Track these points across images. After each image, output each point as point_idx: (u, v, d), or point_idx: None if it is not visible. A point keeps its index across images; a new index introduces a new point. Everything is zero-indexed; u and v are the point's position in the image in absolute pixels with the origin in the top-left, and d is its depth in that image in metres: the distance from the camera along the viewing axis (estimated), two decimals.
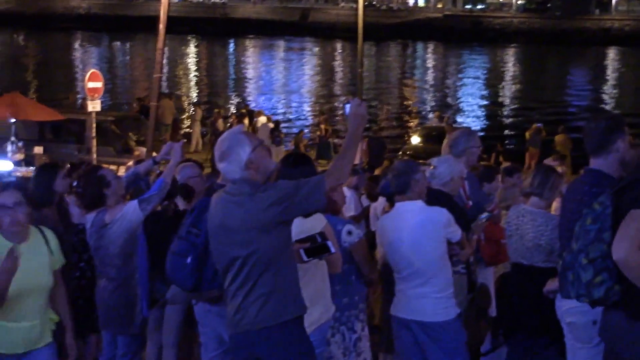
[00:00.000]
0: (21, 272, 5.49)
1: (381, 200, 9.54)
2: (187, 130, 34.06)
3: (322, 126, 32.07)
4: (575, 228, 4.86)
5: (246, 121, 30.13)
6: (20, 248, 5.54)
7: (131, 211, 7.00)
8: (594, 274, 4.65)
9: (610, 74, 79.67)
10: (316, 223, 5.99)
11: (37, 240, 5.95)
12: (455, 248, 6.77)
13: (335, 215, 6.70)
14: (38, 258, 5.87)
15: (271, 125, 30.80)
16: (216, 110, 32.79)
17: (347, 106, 5.40)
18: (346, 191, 9.47)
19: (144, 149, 21.43)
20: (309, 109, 48.62)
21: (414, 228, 6.50)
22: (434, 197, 6.83)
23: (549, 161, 23.51)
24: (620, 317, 4.72)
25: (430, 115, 41.57)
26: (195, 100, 47.75)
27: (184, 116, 38.49)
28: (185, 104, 45.05)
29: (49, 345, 5.99)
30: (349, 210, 10.49)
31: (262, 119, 30.96)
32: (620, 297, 4.68)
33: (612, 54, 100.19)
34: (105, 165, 10.44)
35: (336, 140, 30.77)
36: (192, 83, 62.95)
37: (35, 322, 5.85)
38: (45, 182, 7.74)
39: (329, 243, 5.83)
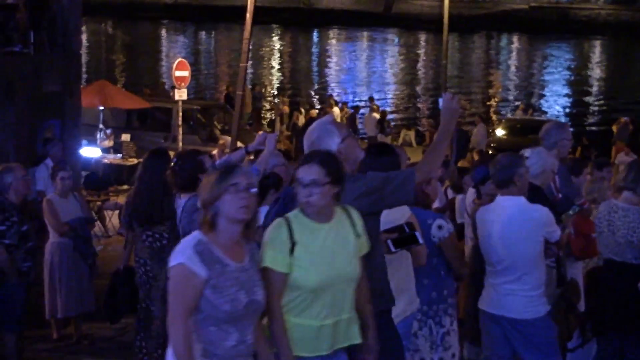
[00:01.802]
0: (326, 258, 4.87)
1: (469, 192, 9.47)
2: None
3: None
4: None
5: (335, 110, 30.32)
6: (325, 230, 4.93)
7: None
8: None
9: None
10: (401, 214, 5.97)
11: (342, 221, 5.03)
12: (553, 248, 6.69)
13: (427, 208, 6.67)
14: (344, 242, 4.99)
15: (377, 115, 30.92)
16: (295, 112, 32.69)
17: (440, 100, 5.39)
18: None
19: (228, 138, 21.61)
20: (392, 100, 48.43)
21: (513, 224, 6.44)
22: (530, 191, 6.73)
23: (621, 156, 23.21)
24: None
25: (513, 107, 41.22)
26: (277, 90, 47.97)
27: (266, 106, 38.65)
28: (268, 93, 45.23)
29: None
30: (434, 202, 10.45)
31: (336, 110, 31.09)
32: None
33: None
34: None
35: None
36: (276, 73, 63.16)
37: (342, 318, 4.95)
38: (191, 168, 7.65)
39: (417, 234, 5.82)
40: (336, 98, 38.03)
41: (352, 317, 4.98)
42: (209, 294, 4.46)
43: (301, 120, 29.98)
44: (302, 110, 31.66)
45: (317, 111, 30.13)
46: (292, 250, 4.77)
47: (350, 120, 30.33)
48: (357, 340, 4.97)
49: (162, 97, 28.79)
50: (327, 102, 35.40)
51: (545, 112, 45.17)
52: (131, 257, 8.83)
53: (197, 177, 7.15)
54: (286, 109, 32.68)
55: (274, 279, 4.75)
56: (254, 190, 4.58)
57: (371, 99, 36.48)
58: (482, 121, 31.04)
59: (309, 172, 4.80)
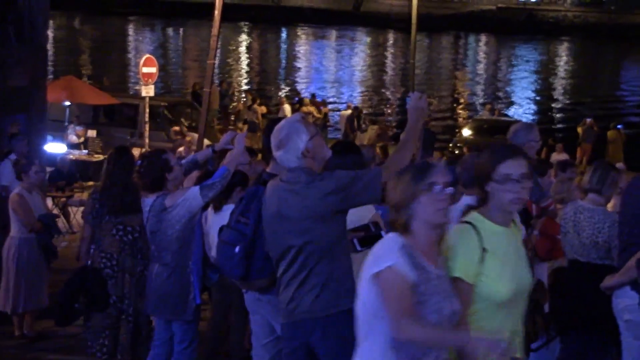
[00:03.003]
0: (511, 266, 4.49)
1: None
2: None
3: None
4: None
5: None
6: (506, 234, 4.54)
7: (192, 197, 7.00)
8: None
9: None
10: (366, 213, 5.97)
11: (515, 226, 4.70)
12: None
13: None
14: (519, 247, 4.68)
15: (348, 112, 30.98)
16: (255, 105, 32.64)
17: (408, 99, 5.39)
18: None
19: (195, 135, 21.54)
20: (358, 98, 48.49)
21: None
22: None
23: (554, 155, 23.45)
24: None
25: (482, 107, 41.42)
26: (245, 87, 47.94)
27: (233, 103, 38.58)
28: (235, 90, 45.18)
29: None
30: None
31: (286, 107, 31.20)
32: None
33: None
34: None
35: None
36: (243, 70, 63.08)
37: (516, 330, 4.62)
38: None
39: (383, 233, 5.82)
40: (305, 95, 38.05)
41: (520, 329, 4.65)
42: (415, 303, 4.08)
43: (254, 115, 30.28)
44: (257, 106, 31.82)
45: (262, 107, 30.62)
46: (482, 259, 4.36)
47: (349, 120, 30.30)
48: (519, 354, 4.62)
49: (121, 91, 28.79)
50: (282, 99, 35.40)
51: (512, 113, 45.40)
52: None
53: (164, 176, 7.15)
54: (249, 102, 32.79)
55: (465, 291, 4.34)
56: (450, 190, 4.22)
57: (313, 95, 36.53)
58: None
59: (518, 166, 4.36)
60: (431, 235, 4.25)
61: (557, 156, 23.88)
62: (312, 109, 31.76)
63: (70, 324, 8.68)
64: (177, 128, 22.39)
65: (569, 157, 24.71)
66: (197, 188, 7.02)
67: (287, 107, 30.84)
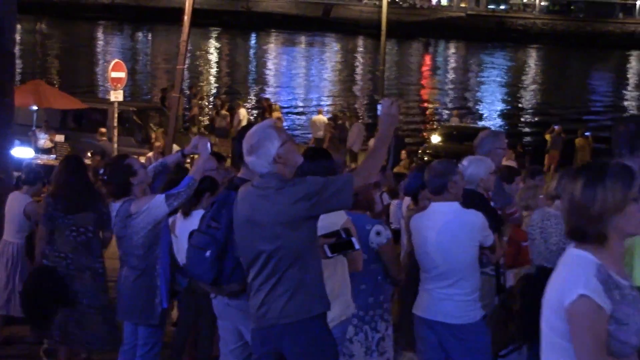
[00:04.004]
0: None
1: (405, 198, 9.53)
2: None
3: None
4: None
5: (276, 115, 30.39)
6: None
7: (157, 205, 7.00)
8: None
9: (633, 78, 79.37)
10: (337, 219, 5.99)
11: None
12: (487, 252, 6.77)
13: (368, 212, 6.71)
14: None
15: (324, 119, 30.96)
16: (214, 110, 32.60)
17: (379, 106, 5.42)
18: None
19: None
20: (328, 104, 48.59)
21: (448, 230, 6.49)
22: (467, 197, 6.80)
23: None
24: None
25: (447, 114, 41.60)
26: (215, 92, 47.90)
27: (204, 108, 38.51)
28: (205, 96, 45.14)
29: None
30: None
31: (276, 114, 31.13)
32: None
33: (634, 57, 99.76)
34: None
35: None
36: (213, 75, 63.01)
37: None
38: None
39: (354, 239, 5.83)
40: (272, 100, 38.02)
41: None
42: (614, 330, 3.59)
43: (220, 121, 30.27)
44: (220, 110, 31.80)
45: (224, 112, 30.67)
46: None
47: (340, 128, 30.23)
48: None
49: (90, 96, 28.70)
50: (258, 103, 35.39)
51: (481, 120, 45.63)
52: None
53: (128, 181, 7.17)
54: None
55: None
56: None
57: (266, 99, 36.55)
58: (357, 120, 30.94)
59: None
60: (622, 247, 3.77)
61: (505, 162, 23.96)
62: (278, 114, 31.74)
63: (45, 326, 8.72)
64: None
65: (517, 164, 24.85)
66: (162, 196, 7.03)
67: (242, 112, 30.73)
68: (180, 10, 18.66)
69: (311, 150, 6.52)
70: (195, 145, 7.54)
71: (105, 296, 8.57)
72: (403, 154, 27.12)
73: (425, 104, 52.92)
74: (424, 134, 38.52)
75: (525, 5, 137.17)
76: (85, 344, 8.69)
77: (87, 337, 8.56)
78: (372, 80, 56.93)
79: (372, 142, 5.41)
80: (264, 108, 33.31)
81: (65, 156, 9.01)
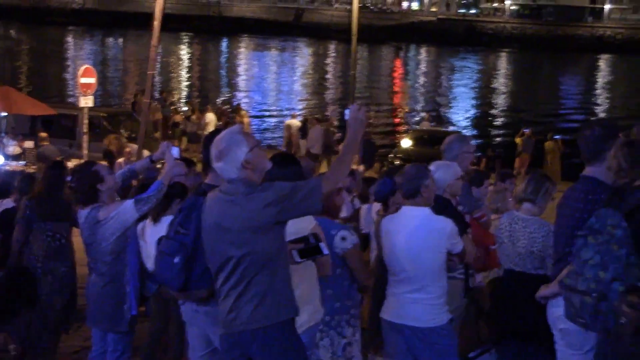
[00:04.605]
0: None
1: (375, 203, 9.53)
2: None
3: None
4: (587, 254, 4.74)
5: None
6: None
7: (126, 211, 7.00)
8: None
9: (602, 81, 79.93)
10: (306, 224, 5.99)
11: None
12: (455, 259, 6.79)
13: (335, 218, 6.71)
14: None
15: (298, 123, 30.98)
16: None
17: (347, 111, 5.43)
18: None
19: (135, 146, 21.43)
20: (299, 108, 48.61)
21: (418, 235, 6.50)
22: (434, 202, 6.82)
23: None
24: None
25: (419, 118, 41.69)
26: (186, 97, 47.82)
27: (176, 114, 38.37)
28: (176, 101, 45.03)
29: None
30: (341, 212, 10.48)
31: (246, 120, 31.14)
32: None
33: (604, 61, 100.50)
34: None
35: None
36: (184, 81, 62.88)
37: None
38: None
39: (322, 245, 5.83)
40: (243, 105, 38.01)
41: None
42: None
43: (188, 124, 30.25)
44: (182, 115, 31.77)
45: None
46: None
47: (325, 135, 30.23)
48: None
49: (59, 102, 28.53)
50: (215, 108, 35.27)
51: (452, 124, 45.78)
52: None
53: (96, 188, 7.15)
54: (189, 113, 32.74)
55: None
56: None
57: (238, 105, 36.52)
58: (317, 122, 31.06)
59: None
60: None
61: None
62: (246, 119, 31.70)
63: (8, 322, 8.76)
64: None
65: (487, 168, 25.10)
66: (131, 202, 7.02)
67: (210, 116, 30.67)
68: (151, 15, 18.57)
69: (279, 155, 6.52)
70: (163, 151, 7.54)
71: (59, 300, 8.75)
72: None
73: (396, 108, 53.01)
74: (396, 137, 38.57)
75: (495, 9, 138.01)
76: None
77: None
78: (343, 85, 57.00)
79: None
80: (230, 113, 33.26)
81: (53, 162, 9.09)
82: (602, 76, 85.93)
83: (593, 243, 4.65)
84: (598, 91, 71.30)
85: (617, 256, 4.57)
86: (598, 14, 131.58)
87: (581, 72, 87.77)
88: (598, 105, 60.88)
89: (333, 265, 6.33)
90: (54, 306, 8.71)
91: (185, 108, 36.73)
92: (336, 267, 6.42)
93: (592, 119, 46.18)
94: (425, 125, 34.59)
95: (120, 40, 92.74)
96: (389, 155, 29.84)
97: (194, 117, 31.25)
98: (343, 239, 6.51)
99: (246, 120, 31.15)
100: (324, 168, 25.23)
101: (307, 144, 28.96)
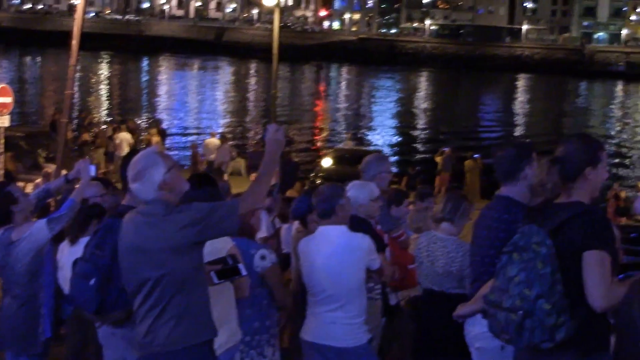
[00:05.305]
0: None
1: (294, 222, 9.54)
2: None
3: None
4: (512, 271, 4.78)
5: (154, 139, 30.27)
6: None
7: (38, 230, 6.91)
8: (557, 317, 4.61)
9: (520, 100, 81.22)
10: (223, 245, 5.97)
11: None
12: (374, 276, 6.83)
13: (251, 238, 6.70)
14: None
15: (217, 142, 31.09)
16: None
17: (266, 131, 5.43)
18: None
19: (53, 166, 21.18)
20: (221, 128, 48.50)
21: (336, 253, 6.52)
22: (351, 221, 6.85)
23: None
24: (572, 355, 4.71)
25: (344, 137, 41.86)
26: (106, 117, 47.43)
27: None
28: (96, 121, 44.60)
29: None
30: (261, 231, 10.46)
31: (155, 138, 31.06)
32: (573, 333, 4.65)
33: (522, 80, 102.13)
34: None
35: None
36: (104, 100, 62.33)
37: None
38: None
39: (240, 266, 5.82)
40: (164, 124, 37.83)
41: None
42: None
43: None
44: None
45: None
46: None
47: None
48: None
49: None
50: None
51: (374, 143, 46.04)
52: None
53: (9, 209, 7.04)
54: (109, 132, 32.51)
55: None
56: None
57: (156, 121, 36.43)
58: (225, 141, 31.40)
59: None
60: None
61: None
62: (155, 138, 31.62)
63: None
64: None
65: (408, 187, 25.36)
66: (43, 221, 6.95)
67: (122, 135, 30.50)
68: (70, 34, 18.38)
69: (196, 176, 6.50)
70: (79, 170, 7.46)
71: None
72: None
73: (318, 128, 53.17)
74: (317, 156, 38.66)
75: (415, 29, 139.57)
76: None
77: None
78: (265, 104, 57.06)
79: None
80: (140, 132, 33.26)
81: None
82: (521, 95, 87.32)
83: (518, 260, 4.70)
84: (517, 110, 72.40)
85: (542, 274, 4.61)
86: (516, 34, 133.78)
87: (500, 91, 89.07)
88: (517, 124, 61.78)
89: (252, 285, 6.33)
90: None
91: (104, 127, 36.33)
92: (255, 287, 6.42)
93: (504, 140, 46.83)
94: (348, 145, 34.78)
95: (39, 59, 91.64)
96: (311, 175, 29.89)
97: (115, 136, 31.02)
98: (263, 257, 6.51)
99: (155, 139, 30.97)
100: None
101: (215, 163, 29.44)
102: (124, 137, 30.09)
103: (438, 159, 31.07)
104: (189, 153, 34.24)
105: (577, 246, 4.63)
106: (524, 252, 4.70)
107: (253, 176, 9.19)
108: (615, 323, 4.65)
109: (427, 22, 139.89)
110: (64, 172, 17.19)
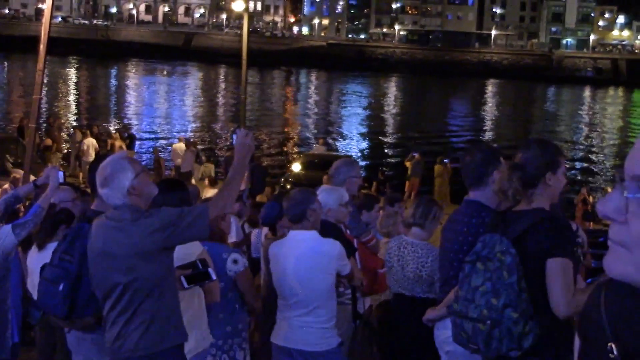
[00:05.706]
0: None
1: (264, 227, 9.53)
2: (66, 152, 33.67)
3: None
4: (477, 281, 4.79)
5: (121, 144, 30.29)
6: None
7: (4, 236, 6.86)
8: (524, 325, 4.62)
9: (489, 105, 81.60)
10: (193, 249, 5.96)
11: None
12: (344, 281, 6.84)
13: (222, 242, 6.69)
14: None
15: (180, 145, 31.10)
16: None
17: (235, 136, 5.43)
18: None
19: (21, 171, 21.06)
20: (190, 133, 48.40)
21: (305, 258, 6.52)
22: (321, 227, 6.85)
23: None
24: None
25: (313, 142, 41.88)
26: (74, 122, 47.21)
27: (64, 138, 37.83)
28: (65, 126, 44.38)
29: None
30: (231, 237, 10.46)
31: (118, 143, 31.06)
32: (540, 341, 4.67)
33: (491, 85, 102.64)
34: None
35: None
36: (72, 105, 62.01)
37: None
38: None
39: (210, 270, 5.82)
40: (133, 130, 37.74)
41: None
42: None
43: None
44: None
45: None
46: None
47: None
48: None
49: None
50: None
51: (344, 148, 46.09)
52: None
53: None
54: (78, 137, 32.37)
55: None
56: None
57: (125, 127, 36.41)
58: (191, 146, 31.60)
59: None
60: None
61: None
62: (118, 142, 31.56)
63: None
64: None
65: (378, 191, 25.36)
66: (8, 227, 6.91)
67: (87, 141, 30.37)
68: (37, 39, 18.29)
69: (165, 181, 6.49)
70: (47, 176, 7.42)
71: None
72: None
73: (287, 132, 53.17)
74: (287, 161, 38.67)
75: (384, 34, 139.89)
76: None
77: None
78: (234, 109, 56.99)
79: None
80: (104, 137, 33.23)
81: None
82: (489, 100, 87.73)
83: (482, 270, 4.70)
84: (486, 115, 72.72)
85: (508, 283, 4.62)
86: (485, 40, 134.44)
87: (469, 96, 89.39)
88: (485, 129, 62.06)
89: (224, 289, 6.33)
90: None
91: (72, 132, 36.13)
92: (228, 291, 6.42)
93: (472, 145, 46.92)
94: (319, 150, 34.81)
95: (5, 64, 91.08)
96: (280, 180, 29.88)
97: (85, 141, 30.87)
98: (235, 261, 6.51)
99: (118, 143, 30.91)
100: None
101: (181, 168, 29.77)
102: (91, 143, 29.98)
103: (408, 163, 31.12)
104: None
105: (540, 254, 4.65)
106: (488, 261, 4.71)
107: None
108: (581, 327, 4.67)
109: (396, 27, 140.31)
110: (32, 177, 17.14)
